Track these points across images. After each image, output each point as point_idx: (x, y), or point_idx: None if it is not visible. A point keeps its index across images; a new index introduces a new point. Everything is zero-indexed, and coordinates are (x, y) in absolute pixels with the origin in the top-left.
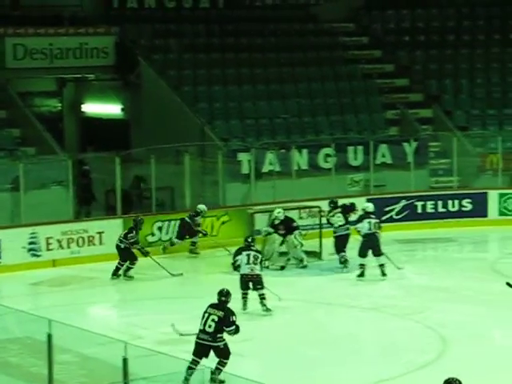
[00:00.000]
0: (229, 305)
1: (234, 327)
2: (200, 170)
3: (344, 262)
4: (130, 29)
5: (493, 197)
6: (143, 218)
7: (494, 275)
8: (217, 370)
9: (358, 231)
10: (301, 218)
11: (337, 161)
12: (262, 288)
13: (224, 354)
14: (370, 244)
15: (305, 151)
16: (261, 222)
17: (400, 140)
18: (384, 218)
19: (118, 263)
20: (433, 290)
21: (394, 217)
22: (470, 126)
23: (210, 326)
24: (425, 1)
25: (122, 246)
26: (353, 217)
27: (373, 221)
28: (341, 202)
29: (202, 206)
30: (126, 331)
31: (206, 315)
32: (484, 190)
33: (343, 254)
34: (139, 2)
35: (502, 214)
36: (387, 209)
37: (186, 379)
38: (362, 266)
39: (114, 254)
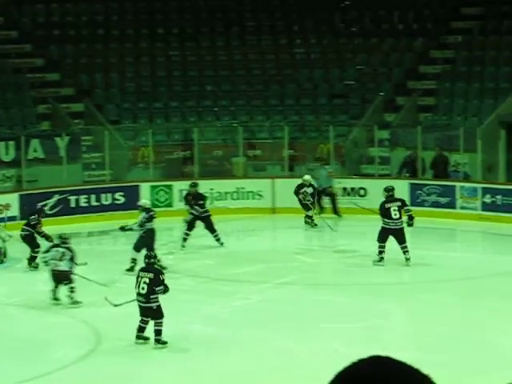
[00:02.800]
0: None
1: (162, 287)
2: None
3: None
4: None
5: (145, 189)
6: None
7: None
8: (156, 331)
9: None
10: None
11: None
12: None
13: (157, 314)
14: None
15: None
16: None
17: (52, 134)
18: None
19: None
20: (88, 284)
21: (48, 212)
22: (121, 119)
23: (143, 289)
24: None
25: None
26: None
27: None
28: None
29: None
30: None
31: (139, 279)
32: (136, 183)
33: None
34: None
35: (154, 206)
36: (40, 204)
37: (138, 336)
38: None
39: None
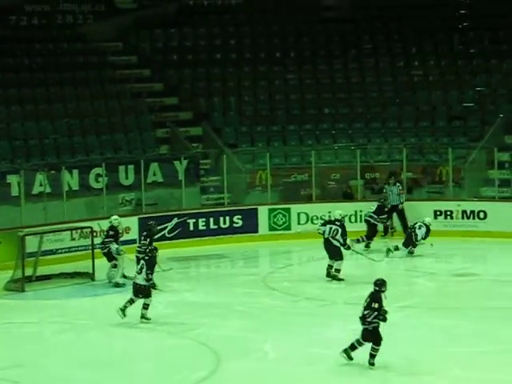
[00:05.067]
0: None
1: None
2: None
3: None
4: None
5: (263, 212)
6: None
7: (265, 289)
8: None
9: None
10: (73, 239)
11: (108, 180)
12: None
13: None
14: None
15: (75, 171)
16: (32, 244)
17: (171, 158)
18: (157, 236)
19: None
20: (206, 307)
21: (167, 235)
22: (239, 143)
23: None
24: (192, 20)
25: None
26: None
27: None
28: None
29: None
30: None
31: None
32: (254, 206)
33: None
34: None
35: (271, 229)
36: (160, 227)
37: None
38: None
39: None
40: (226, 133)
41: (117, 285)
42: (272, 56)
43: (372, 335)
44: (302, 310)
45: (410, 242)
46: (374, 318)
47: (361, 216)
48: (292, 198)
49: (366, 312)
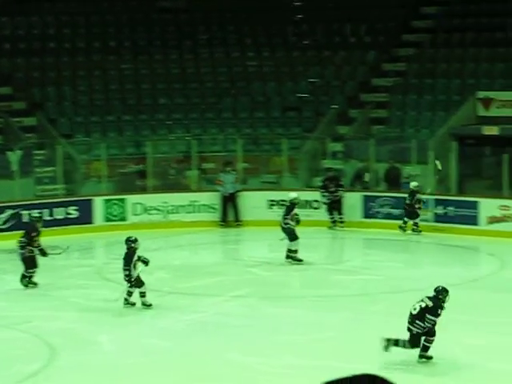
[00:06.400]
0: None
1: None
2: None
3: None
4: None
5: (98, 203)
6: None
7: (101, 281)
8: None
9: None
10: None
11: None
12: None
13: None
14: None
15: None
16: None
17: (3, 149)
18: None
19: None
20: (40, 298)
21: (1, 226)
22: (74, 133)
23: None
24: (24, 8)
25: None
26: None
27: None
28: None
29: None
30: None
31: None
32: (89, 197)
33: None
34: None
35: (107, 220)
36: None
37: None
38: None
39: None
40: (61, 123)
41: None
42: (106, 45)
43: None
44: (137, 300)
45: (413, 213)
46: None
47: (196, 207)
48: (128, 188)
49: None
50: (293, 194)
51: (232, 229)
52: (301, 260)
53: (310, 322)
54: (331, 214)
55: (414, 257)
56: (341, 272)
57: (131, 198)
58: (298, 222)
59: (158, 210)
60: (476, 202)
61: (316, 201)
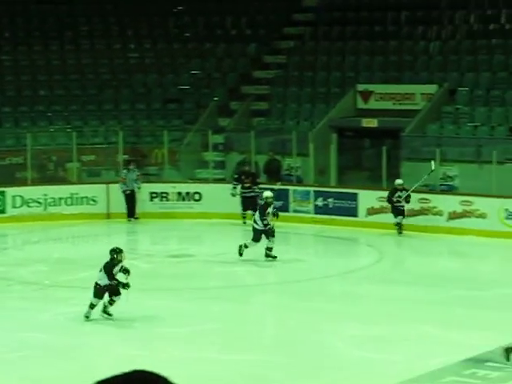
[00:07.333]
0: None
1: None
2: None
3: None
4: None
5: None
6: None
7: None
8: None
9: None
10: None
11: None
12: None
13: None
14: None
15: None
16: None
17: None
18: None
19: None
20: None
21: None
22: (3, 122)
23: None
24: None
25: None
26: None
27: None
28: None
29: None
30: None
31: None
32: None
33: None
34: None
35: None
36: None
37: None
38: None
39: None
40: None
41: None
42: None
43: None
44: (15, 294)
45: (397, 210)
46: None
47: (76, 199)
48: (7, 181)
49: None
50: (267, 193)
51: (111, 221)
52: (275, 257)
53: (191, 313)
54: (245, 210)
55: (293, 248)
56: (222, 264)
57: (11, 191)
58: (277, 216)
59: (38, 202)
60: (355, 193)
61: (197, 193)
